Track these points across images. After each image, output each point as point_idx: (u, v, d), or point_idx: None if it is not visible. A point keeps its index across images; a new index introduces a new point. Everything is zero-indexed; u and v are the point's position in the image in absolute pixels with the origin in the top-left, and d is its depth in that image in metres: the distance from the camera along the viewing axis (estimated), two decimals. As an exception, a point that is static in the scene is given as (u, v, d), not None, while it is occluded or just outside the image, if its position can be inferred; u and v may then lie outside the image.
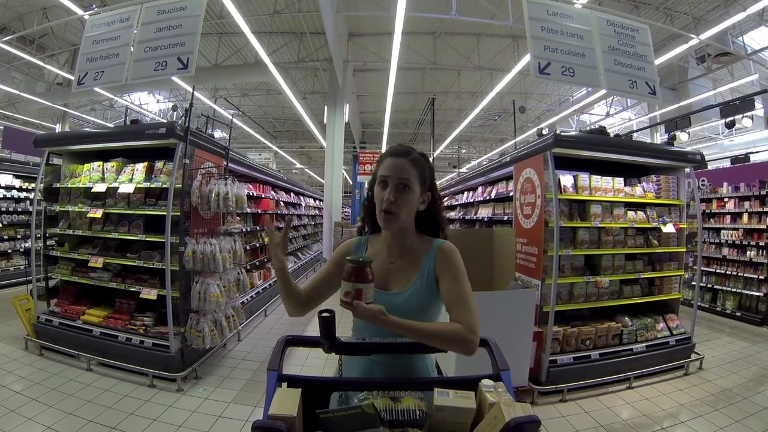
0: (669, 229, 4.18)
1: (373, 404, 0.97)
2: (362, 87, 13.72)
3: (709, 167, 8.65)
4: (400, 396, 1.10)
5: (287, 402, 0.97)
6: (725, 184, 7.03)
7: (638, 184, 4.31)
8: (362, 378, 1.26)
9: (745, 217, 6.48)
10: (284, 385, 1.13)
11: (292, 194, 9.38)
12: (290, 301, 1.34)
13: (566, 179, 3.87)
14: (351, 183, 18.98)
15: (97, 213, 4.07)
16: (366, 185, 1.47)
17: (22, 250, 7.79)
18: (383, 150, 16.76)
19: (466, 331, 1.15)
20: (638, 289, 4.24)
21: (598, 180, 4.00)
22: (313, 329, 5.52)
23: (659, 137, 11.96)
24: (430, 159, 1.46)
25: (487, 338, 1.27)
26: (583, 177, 3.95)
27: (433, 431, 1.03)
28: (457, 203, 8.05)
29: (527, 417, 0.89)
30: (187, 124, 3.88)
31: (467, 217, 7.00)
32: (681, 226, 4.32)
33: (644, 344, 4.04)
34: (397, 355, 1.31)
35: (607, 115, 14.01)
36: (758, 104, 6.74)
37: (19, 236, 7.89)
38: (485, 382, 1.08)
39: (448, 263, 1.30)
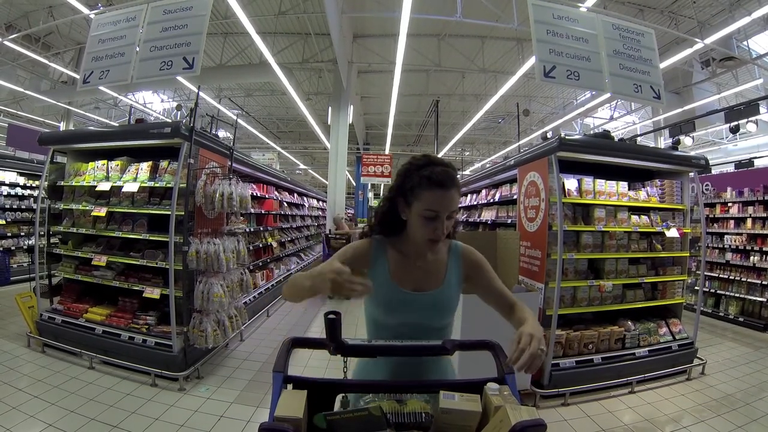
0: (672, 233, 4.17)
1: (380, 406, 0.97)
2: (366, 88, 13.72)
3: (713, 172, 8.64)
4: (406, 398, 1.10)
5: (293, 404, 0.97)
6: (729, 188, 7.01)
7: (642, 189, 4.30)
8: (368, 380, 1.26)
9: (749, 222, 6.46)
10: (289, 386, 1.13)
11: (295, 195, 9.40)
12: (299, 297, 1.27)
13: (570, 183, 3.87)
14: (354, 184, 18.99)
15: (101, 211, 4.08)
16: (391, 189, 1.40)
17: (25, 247, 7.83)
18: (387, 150, 16.73)
19: (523, 304, 1.38)
20: (641, 293, 4.23)
21: (602, 184, 4.00)
22: (315, 330, 5.53)
23: (663, 141, 11.93)
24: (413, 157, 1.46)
25: (492, 341, 1.28)
26: (587, 181, 3.94)
27: (439, 434, 1.03)
28: (460, 205, 8.05)
29: (533, 421, 0.88)
30: (192, 123, 3.90)
31: (471, 220, 6.99)
32: (684, 230, 4.31)
33: (647, 349, 4.03)
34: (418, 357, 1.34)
35: (611, 118, 13.98)
36: (763, 109, 6.68)
37: (22, 233, 7.93)
38: (491, 385, 1.07)
39: (478, 262, 1.45)
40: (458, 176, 1.33)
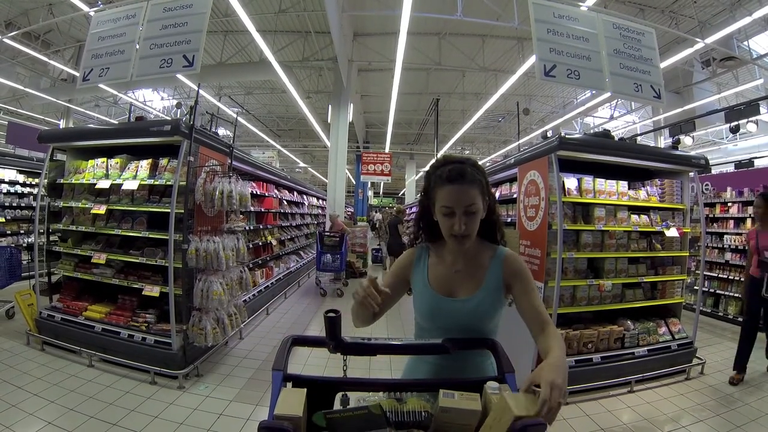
0: (672, 233, 4.16)
1: (380, 405, 0.96)
2: (366, 87, 13.72)
3: (713, 171, 8.63)
4: (406, 397, 1.10)
5: (293, 402, 0.97)
6: (729, 188, 6.99)
7: (642, 188, 4.30)
8: (368, 378, 1.26)
9: (749, 222, 6.44)
10: (289, 384, 1.13)
11: (295, 193, 9.39)
12: (362, 319, 1.38)
13: (570, 182, 3.86)
14: (354, 182, 18.99)
15: (101, 209, 4.08)
16: (420, 193, 1.46)
17: (25, 245, 7.82)
18: (387, 149, 16.70)
19: (555, 328, 1.29)
20: (641, 292, 4.22)
21: (602, 183, 3.99)
22: (315, 329, 5.53)
23: (663, 141, 11.94)
24: (434, 160, 1.48)
25: (492, 339, 1.29)
26: (587, 180, 3.94)
27: (438, 433, 1.02)
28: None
29: (534, 420, 0.90)
30: (191, 121, 3.89)
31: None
32: (684, 230, 4.30)
33: (646, 348, 4.02)
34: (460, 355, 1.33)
35: (611, 118, 13.98)
36: (763, 109, 6.69)
37: (22, 231, 7.91)
38: (491, 384, 1.07)
39: (519, 272, 1.37)
40: (477, 172, 1.31)
